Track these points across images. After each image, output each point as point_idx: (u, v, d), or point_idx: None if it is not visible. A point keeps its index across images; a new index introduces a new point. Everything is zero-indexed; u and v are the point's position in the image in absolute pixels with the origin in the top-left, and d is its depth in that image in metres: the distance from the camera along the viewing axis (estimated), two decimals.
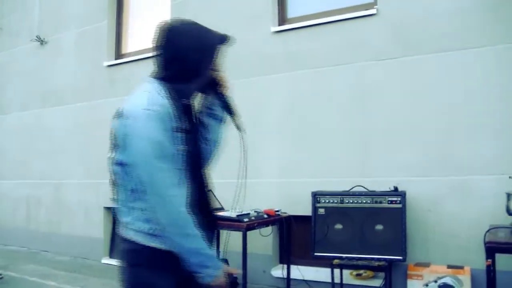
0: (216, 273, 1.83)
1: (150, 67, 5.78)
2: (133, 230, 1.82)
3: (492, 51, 4.04)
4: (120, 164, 1.84)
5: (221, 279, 1.85)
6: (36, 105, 7.63)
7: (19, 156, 7.84)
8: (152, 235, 1.79)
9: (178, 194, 1.77)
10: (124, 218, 1.86)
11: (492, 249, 2.84)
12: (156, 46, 1.94)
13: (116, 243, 1.73)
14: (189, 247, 1.77)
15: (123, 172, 1.84)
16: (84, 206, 6.78)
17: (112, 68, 6.63)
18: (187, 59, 1.89)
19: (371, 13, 4.59)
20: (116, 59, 6.72)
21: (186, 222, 1.75)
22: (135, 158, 1.76)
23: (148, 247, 1.79)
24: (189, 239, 1.76)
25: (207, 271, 1.81)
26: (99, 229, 6.58)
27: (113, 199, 1.92)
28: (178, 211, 1.74)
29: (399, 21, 4.47)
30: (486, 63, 4.06)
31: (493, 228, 3.20)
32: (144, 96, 1.83)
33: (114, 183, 1.91)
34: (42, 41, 7.54)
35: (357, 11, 4.72)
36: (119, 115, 1.86)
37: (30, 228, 7.53)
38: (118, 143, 1.84)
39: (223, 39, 2.01)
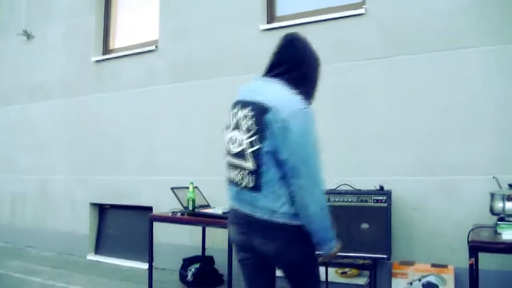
0: (334, 246, 2.23)
1: (138, 63, 5.80)
2: (281, 213, 2.11)
3: (481, 52, 4.06)
4: (271, 154, 2.09)
5: (335, 252, 2.25)
6: (22, 99, 7.55)
7: (4, 151, 7.76)
8: (296, 215, 2.10)
9: (323, 179, 2.15)
10: (270, 204, 2.12)
11: (475, 248, 2.86)
12: (281, 53, 2.30)
13: (255, 228, 2.13)
14: (326, 224, 2.14)
15: (273, 161, 2.10)
16: (70, 202, 6.74)
17: (100, 63, 6.59)
18: (311, 66, 2.31)
19: (359, 12, 4.60)
20: (103, 54, 6.67)
21: (326, 203, 2.16)
22: (298, 150, 2.08)
23: (296, 225, 2.11)
24: (326, 217, 2.14)
25: (329, 244, 2.20)
26: (85, 225, 6.54)
27: (251, 188, 2.15)
28: (323, 193, 2.16)
29: (388, 21, 4.49)
30: (475, 64, 4.09)
31: (476, 228, 3.23)
32: (293, 95, 2.15)
33: (255, 172, 2.12)
34: (29, 35, 7.46)
35: (345, 10, 4.72)
36: (267, 109, 2.09)
37: (15, 224, 7.47)
38: (266, 135, 2.08)
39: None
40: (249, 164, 2.13)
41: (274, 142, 2.07)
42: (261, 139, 2.09)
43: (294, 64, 2.23)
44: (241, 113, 2.20)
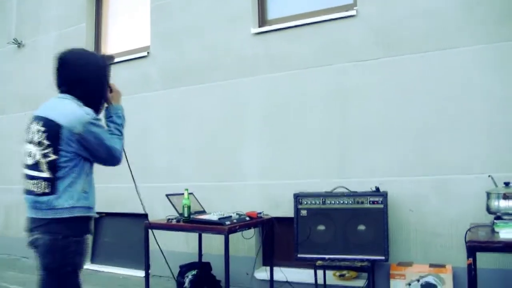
0: None
1: (130, 69, 5.78)
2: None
3: (471, 51, 4.07)
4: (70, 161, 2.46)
5: None
6: (14, 108, 7.49)
7: None
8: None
9: None
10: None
11: (473, 248, 2.85)
12: (58, 75, 2.51)
13: None
14: None
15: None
16: None
17: None
18: (89, 82, 2.52)
19: (350, 14, 4.61)
20: None
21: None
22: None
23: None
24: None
25: None
26: None
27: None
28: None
29: (379, 22, 4.49)
30: (466, 63, 4.09)
31: (473, 227, 3.22)
32: (80, 109, 2.40)
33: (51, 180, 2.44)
34: (19, 44, 7.42)
35: (337, 12, 4.73)
36: (59, 125, 2.35)
37: (9, 234, 7.39)
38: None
39: None
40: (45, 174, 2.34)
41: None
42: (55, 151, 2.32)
43: (71, 85, 2.45)
44: (35, 127, 2.39)
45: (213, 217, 4.07)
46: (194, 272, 4.88)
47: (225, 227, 3.86)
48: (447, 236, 4.05)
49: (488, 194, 3.31)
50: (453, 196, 4.08)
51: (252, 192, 5.04)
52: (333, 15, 4.71)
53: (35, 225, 2.39)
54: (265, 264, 5.00)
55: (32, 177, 2.37)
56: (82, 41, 6.67)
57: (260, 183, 5.04)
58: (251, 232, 4.65)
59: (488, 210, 3.31)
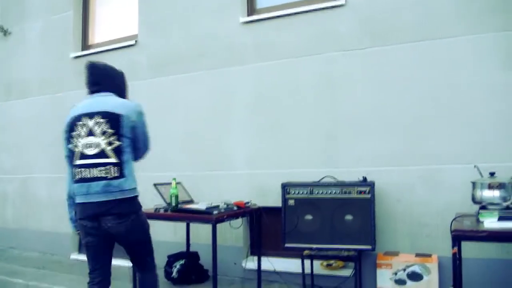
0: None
1: (117, 58, 5.76)
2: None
3: (461, 41, 4.07)
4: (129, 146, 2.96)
5: None
6: (0, 97, 7.42)
7: None
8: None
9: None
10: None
11: (457, 237, 2.88)
12: (92, 77, 3.06)
13: None
14: None
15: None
16: (52, 201, 6.64)
17: (79, 59, 6.47)
18: (118, 79, 3.23)
19: (339, 3, 4.59)
20: (82, 50, 6.57)
21: None
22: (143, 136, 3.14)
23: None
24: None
25: None
26: (67, 224, 6.41)
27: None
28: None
29: (368, 12, 4.48)
30: (455, 53, 4.10)
31: (459, 217, 3.24)
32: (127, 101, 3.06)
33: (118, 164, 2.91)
34: (5, 32, 7.32)
35: (325, 1, 4.70)
36: (119, 115, 2.87)
37: None
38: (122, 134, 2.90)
39: None
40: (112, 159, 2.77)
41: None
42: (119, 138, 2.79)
43: (106, 85, 2.99)
44: (91, 121, 2.79)
45: (201, 206, 4.06)
46: (182, 261, 4.89)
47: (212, 217, 3.86)
48: (434, 226, 4.08)
49: (474, 184, 3.33)
50: (440, 186, 4.10)
51: (240, 181, 5.04)
52: (322, 5, 4.69)
53: (104, 208, 2.75)
54: (252, 253, 5.01)
55: (98, 165, 2.74)
56: (69, 29, 6.61)
57: (248, 172, 5.04)
58: (238, 222, 4.65)
59: (473, 200, 3.33)
